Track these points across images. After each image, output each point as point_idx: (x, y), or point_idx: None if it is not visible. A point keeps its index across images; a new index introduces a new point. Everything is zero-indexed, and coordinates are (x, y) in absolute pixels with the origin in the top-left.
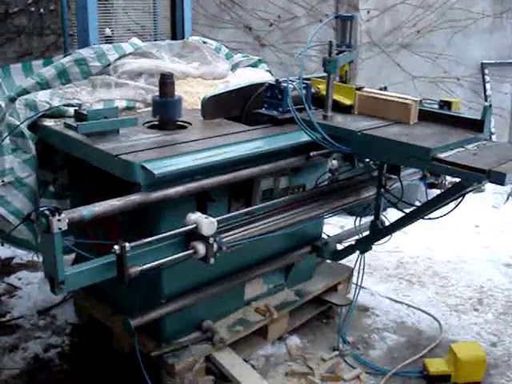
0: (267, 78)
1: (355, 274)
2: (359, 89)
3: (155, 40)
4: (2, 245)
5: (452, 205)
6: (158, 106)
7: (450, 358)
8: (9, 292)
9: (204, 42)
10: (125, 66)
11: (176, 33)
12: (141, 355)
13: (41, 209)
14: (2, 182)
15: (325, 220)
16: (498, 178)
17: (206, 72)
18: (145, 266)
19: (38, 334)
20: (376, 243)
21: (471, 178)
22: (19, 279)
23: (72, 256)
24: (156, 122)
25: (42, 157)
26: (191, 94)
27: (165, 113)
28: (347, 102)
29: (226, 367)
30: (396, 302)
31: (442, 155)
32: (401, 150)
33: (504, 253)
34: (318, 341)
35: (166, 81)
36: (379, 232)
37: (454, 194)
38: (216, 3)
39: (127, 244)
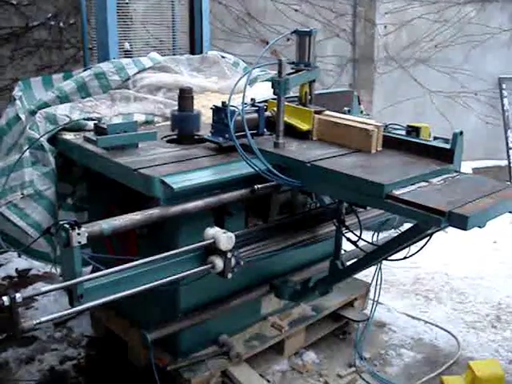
0: None
1: (372, 289)
2: (318, 112)
3: (174, 54)
4: (19, 256)
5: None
6: (177, 121)
7: (469, 375)
8: (25, 304)
9: (222, 57)
10: (144, 80)
11: (194, 47)
12: (156, 369)
13: (61, 222)
14: (22, 194)
15: None
16: (460, 222)
17: (224, 86)
18: (43, 319)
19: (54, 346)
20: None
21: (428, 221)
22: None
23: (89, 268)
24: (175, 136)
25: (61, 170)
26: (209, 109)
27: (183, 127)
28: (304, 126)
29: (242, 382)
30: (413, 318)
31: (398, 192)
32: (352, 186)
33: None
34: (334, 356)
35: (184, 95)
36: (339, 272)
37: (413, 237)
38: (234, 18)
39: (17, 295)
